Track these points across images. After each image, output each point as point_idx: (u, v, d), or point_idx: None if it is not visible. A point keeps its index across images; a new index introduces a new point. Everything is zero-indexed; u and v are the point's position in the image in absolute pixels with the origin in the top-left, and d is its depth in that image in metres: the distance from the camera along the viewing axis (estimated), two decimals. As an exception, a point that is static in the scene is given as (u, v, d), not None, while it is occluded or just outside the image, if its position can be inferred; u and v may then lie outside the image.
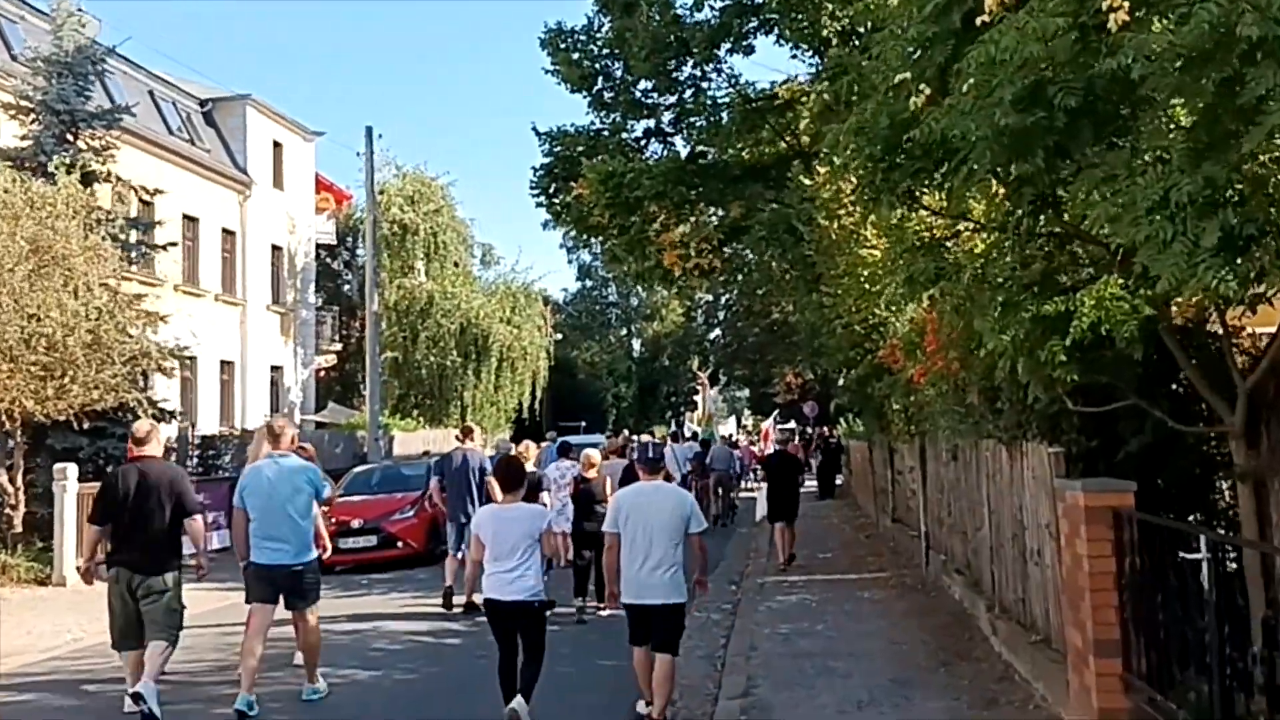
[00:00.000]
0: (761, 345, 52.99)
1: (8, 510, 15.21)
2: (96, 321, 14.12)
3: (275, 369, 31.79)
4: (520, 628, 6.80)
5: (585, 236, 21.58)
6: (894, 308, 9.15)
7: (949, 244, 6.14)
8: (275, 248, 32.03)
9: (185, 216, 27.39)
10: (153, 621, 7.42)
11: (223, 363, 29.02)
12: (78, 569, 15.45)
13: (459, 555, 11.43)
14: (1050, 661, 7.04)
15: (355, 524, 15.70)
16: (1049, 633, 7.33)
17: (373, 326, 24.36)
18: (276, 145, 32.06)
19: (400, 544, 15.88)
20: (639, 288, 63.16)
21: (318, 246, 34.83)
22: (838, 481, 30.05)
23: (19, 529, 14.98)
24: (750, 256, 20.92)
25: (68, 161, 15.08)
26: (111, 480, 7.83)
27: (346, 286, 39.60)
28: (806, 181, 15.69)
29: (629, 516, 6.79)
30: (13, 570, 14.59)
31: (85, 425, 16.75)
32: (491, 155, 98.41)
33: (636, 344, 66.06)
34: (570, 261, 64.57)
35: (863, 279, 12.94)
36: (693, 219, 20.92)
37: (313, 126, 33.73)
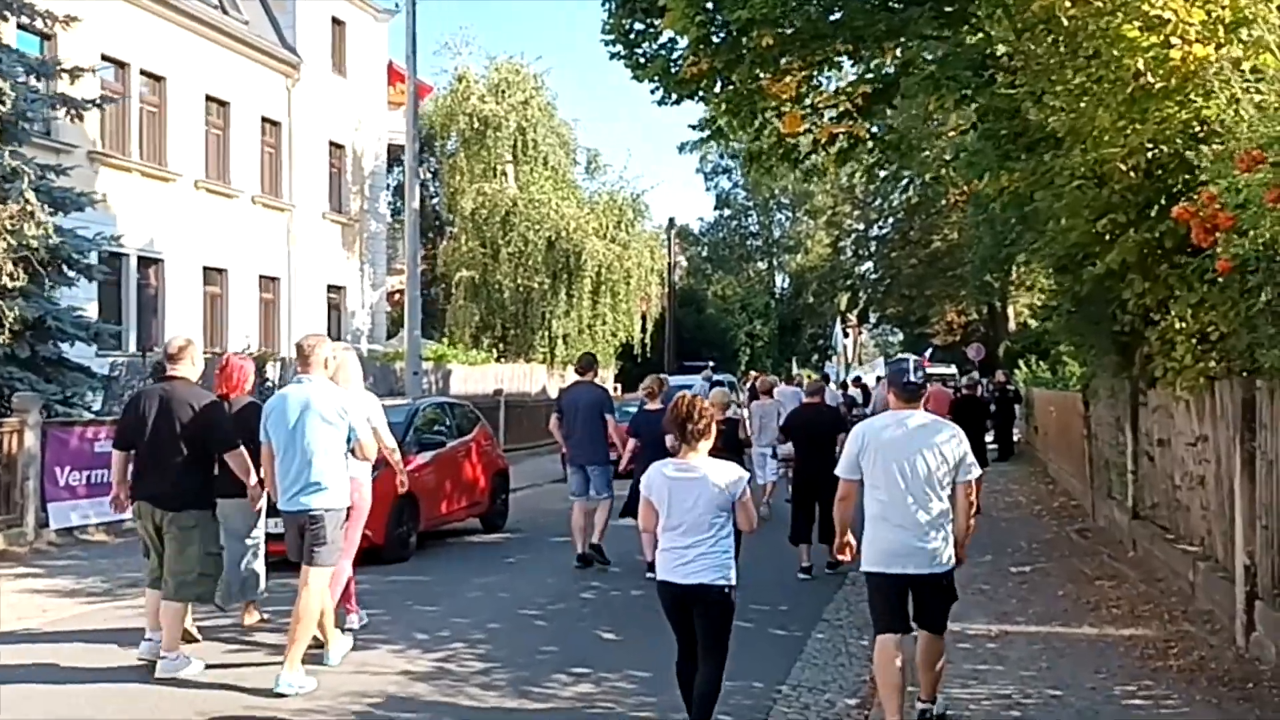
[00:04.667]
0: (919, 279, 46.34)
1: None
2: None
3: (335, 289, 26.96)
4: (699, 617, 5.03)
5: (675, 97, 15.46)
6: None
7: None
8: (335, 145, 27.01)
9: (209, 98, 22.56)
10: (171, 572, 6.64)
11: (262, 278, 24.28)
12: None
13: (583, 502, 10.55)
14: None
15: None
16: None
17: (412, 226, 18.81)
18: (337, 23, 26.82)
19: (348, 529, 10.21)
20: (770, 201, 57.15)
21: (391, 148, 29.66)
22: (1014, 437, 24.40)
23: None
24: (909, 118, 14.51)
25: None
26: (132, 400, 7.23)
27: (434, 200, 34.28)
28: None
29: (876, 457, 5.17)
30: None
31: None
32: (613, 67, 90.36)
33: (779, 279, 60.04)
34: (708, 189, 59.00)
35: (1141, 74, 6.77)
36: (825, 67, 14.65)
37: (384, 4, 28.46)
